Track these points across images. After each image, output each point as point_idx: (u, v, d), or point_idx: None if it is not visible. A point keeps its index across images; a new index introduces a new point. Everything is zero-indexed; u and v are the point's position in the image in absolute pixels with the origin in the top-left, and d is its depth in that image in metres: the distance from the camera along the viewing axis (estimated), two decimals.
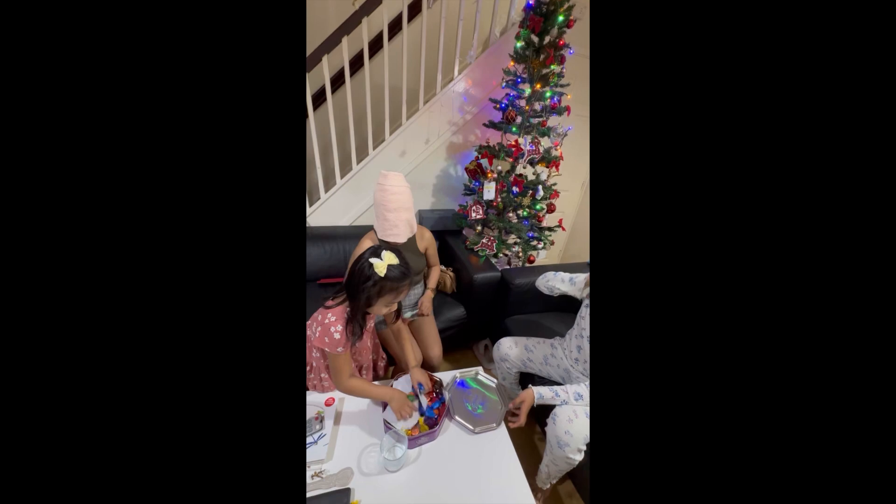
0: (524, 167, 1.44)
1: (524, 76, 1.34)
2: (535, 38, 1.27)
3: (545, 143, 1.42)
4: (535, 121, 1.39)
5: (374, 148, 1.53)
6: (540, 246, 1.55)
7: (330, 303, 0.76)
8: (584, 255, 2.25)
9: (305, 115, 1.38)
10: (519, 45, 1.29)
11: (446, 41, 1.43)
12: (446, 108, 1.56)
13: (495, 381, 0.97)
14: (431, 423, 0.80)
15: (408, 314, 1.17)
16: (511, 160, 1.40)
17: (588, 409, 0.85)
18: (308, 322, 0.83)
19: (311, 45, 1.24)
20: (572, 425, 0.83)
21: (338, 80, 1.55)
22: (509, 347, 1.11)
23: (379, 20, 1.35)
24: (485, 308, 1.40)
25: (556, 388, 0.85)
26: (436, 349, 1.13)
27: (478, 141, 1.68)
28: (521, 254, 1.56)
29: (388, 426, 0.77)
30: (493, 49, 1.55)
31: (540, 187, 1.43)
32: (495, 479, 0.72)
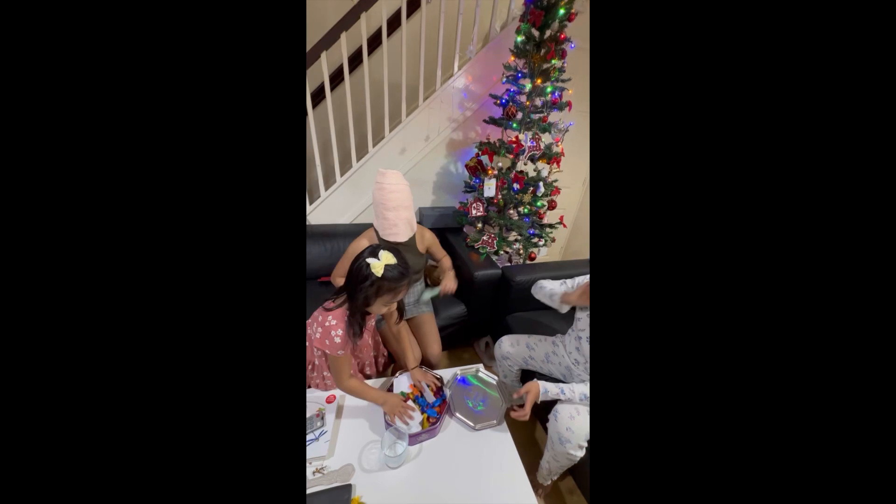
0: (525, 164, 1.43)
1: (525, 71, 1.32)
2: (535, 33, 1.26)
3: (546, 139, 1.40)
4: (535, 117, 1.37)
5: (374, 145, 1.53)
6: (541, 243, 1.54)
7: (330, 304, 0.76)
8: (586, 252, 2.24)
9: (305, 113, 1.37)
10: (519, 39, 1.28)
11: (446, 36, 1.42)
12: (446, 104, 1.55)
13: (496, 378, 0.97)
14: (433, 420, 0.80)
15: (410, 312, 1.17)
16: (512, 157, 1.39)
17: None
18: (309, 321, 0.83)
19: (310, 41, 1.23)
20: (574, 422, 0.83)
21: (336, 78, 1.54)
22: (511, 345, 1.10)
23: (378, 15, 1.33)
24: (485, 305, 1.39)
25: (562, 385, 0.84)
26: (435, 347, 1.13)
27: (478, 137, 1.67)
28: (521, 251, 1.55)
29: (388, 423, 0.77)
30: (494, 44, 1.53)
31: (541, 184, 1.42)
32: (496, 475, 0.72)
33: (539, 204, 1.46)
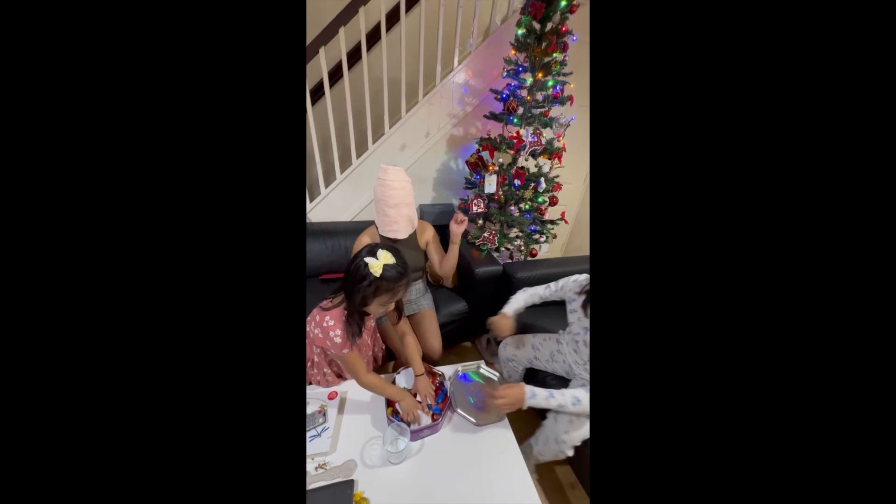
0: (526, 159, 1.42)
1: (526, 65, 1.31)
2: (536, 26, 1.24)
3: (547, 134, 1.39)
4: (536, 111, 1.36)
5: (374, 142, 1.52)
6: (542, 239, 1.53)
7: (327, 304, 0.75)
8: (588, 249, 2.22)
9: (305, 110, 1.37)
10: (520, 32, 1.26)
11: (445, 30, 1.40)
12: (446, 99, 1.54)
13: (497, 374, 0.97)
14: (435, 417, 0.80)
15: (410, 309, 1.17)
16: (512, 152, 1.37)
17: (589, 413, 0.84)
18: (308, 318, 0.83)
19: (307, 36, 1.22)
20: (572, 426, 0.83)
21: (335, 74, 1.53)
22: (516, 347, 1.10)
23: (376, 9, 1.32)
24: (487, 302, 1.39)
25: (553, 391, 0.78)
26: (435, 343, 1.13)
27: (479, 133, 1.66)
28: (523, 247, 1.55)
29: (390, 420, 0.78)
30: (494, 38, 1.51)
31: (542, 180, 1.41)
32: (497, 471, 0.72)
33: (540, 200, 1.45)
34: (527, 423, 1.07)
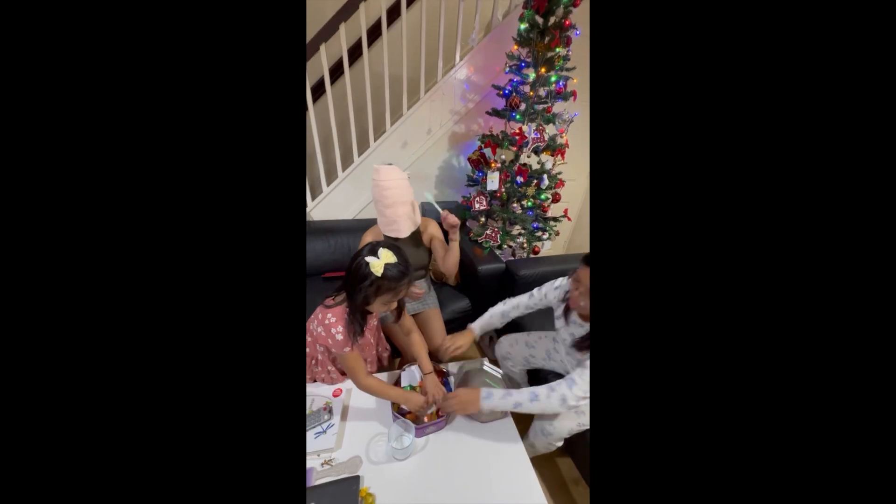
0: (528, 156, 1.41)
1: (528, 60, 1.29)
2: (539, 20, 1.22)
3: (550, 130, 1.38)
4: (539, 107, 1.34)
5: (376, 139, 1.51)
6: (545, 237, 1.53)
7: (330, 302, 0.75)
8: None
9: (305, 108, 1.36)
10: (523, 27, 1.24)
11: (447, 25, 1.38)
12: (448, 96, 1.53)
13: (501, 371, 0.97)
14: (441, 414, 0.81)
15: (415, 308, 1.17)
16: (515, 149, 1.36)
17: (573, 407, 0.82)
18: (311, 317, 0.84)
19: (308, 33, 1.21)
20: (556, 419, 0.84)
21: (336, 71, 1.52)
22: (509, 345, 1.09)
23: (377, 5, 1.31)
24: (490, 299, 1.38)
25: (511, 389, 0.76)
26: (440, 341, 1.13)
27: (481, 130, 1.64)
28: (525, 245, 1.54)
29: (395, 416, 0.78)
30: (496, 32, 1.49)
31: (545, 176, 1.40)
32: (501, 467, 0.73)
33: (543, 197, 1.44)
34: (530, 420, 1.07)
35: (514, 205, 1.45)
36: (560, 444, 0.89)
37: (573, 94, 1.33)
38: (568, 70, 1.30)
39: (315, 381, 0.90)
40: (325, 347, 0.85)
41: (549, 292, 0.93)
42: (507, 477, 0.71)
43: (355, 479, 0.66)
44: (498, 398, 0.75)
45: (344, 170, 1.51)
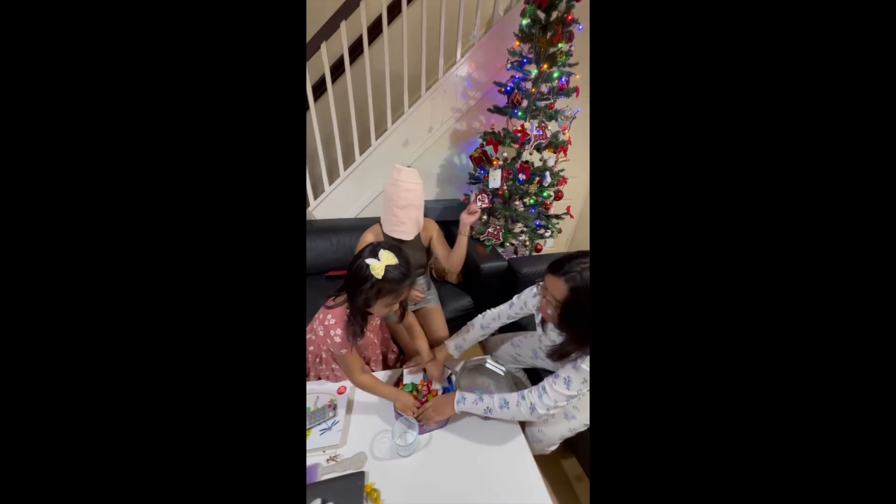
0: (531, 153, 1.40)
1: (530, 56, 1.28)
2: (541, 15, 1.21)
3: (553, 127, 1.37)
4: (541, 104, 1.33)
5: (377, 138, 1.51)
6: (547, 234, 1.52)
7: (330, 302, 0.76)
8: None
9: (306, 107, 1.36)
10: (524, 22, 1.23)
11: (448, 22, 1.37)
12: (449, 93, 1.52)
13: (503, 369, 0.97)
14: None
15: (412, 306, 1.17)
16: (517, 146, 1.36)
17: (564, 411, 0.82)
18: (315, 315, 0.84)
19: (308, 31, 1.21)
20: (546, 426, 0.84)
21: (337, 69, 1.51)
22: (495, 345, 1.09)
23: (377, 2, 1.30)
24: (492, 297, 1.39)
25: (484, 395, 0.76)
26: (443, 336, 1.14)
27: (482, 127, 1.64)
28: (528, 242, 1.54)
29: (399, 413, 0.79)
30: (497, 28, 1.48)
31: (547, 174, 1.39)
32: (504, 463, 0.73)
33: (545, 194, 1.43)
34: None
35: (517, 202, 1.45)
36: (554, 448, 0.89)
37: (576, 90, 1.31)
38: (570, 66, 1.28)
39: (320, 378, 0.91)
40: (326, 346, 0.86)
41: (529, 300, 0.90)
42: (511, 473, 0.71)
43: (360, 475, 0.67)
44: (470, 402, 0.76)
45: (345, 168, 1.52)
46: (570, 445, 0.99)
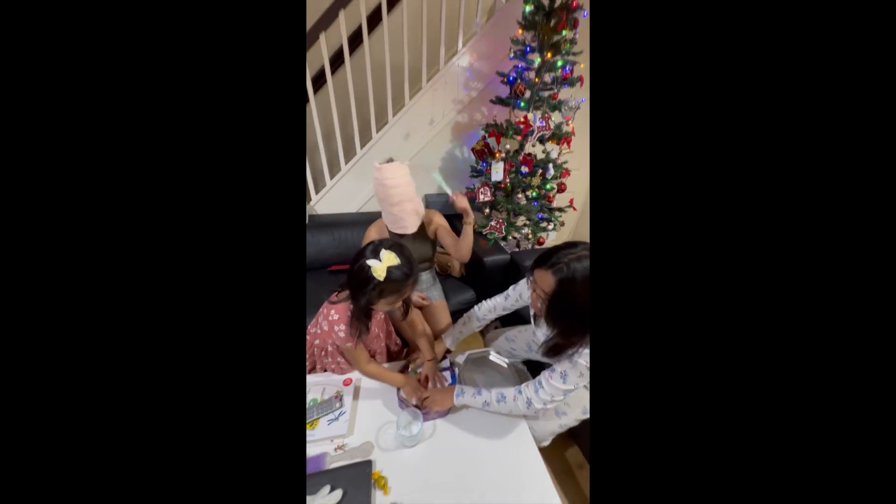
0: (534, 145, 1.38)
1: (533, 45, 1.25)
2: (545, 1, 1.17)
3: (556, 118, 1.35)
4: (545, 94, 1.31)
5: (378, 131, 1.49)
6: (550, 227, 1.52)
7: (333, 298, 0.76)
8: None
9: (306, 100, 1.34)
10: (528, 9, 1.20)
11: (449, 10, 1.34)
12: (451, 85, 1.49)
13: (507, 361, 0.98)
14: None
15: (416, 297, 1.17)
16: (520, 138, 1.34)
17: (539, 410, 0.82)
18: (320, 309, 0.85)
19: (307, 22, 1.18)
20: (537, 422, 0.85)
21: (337, 60, 1.49)
22: (490, 341, 1.09)
23: None
24: (495, 291, 1.38)
25: (482, 388, 0.77)
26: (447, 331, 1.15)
27: (484, 119, 1.61)
28: (530, 236, 1.53)
29: (403, 404, 0.80)
30: (500, 15, 1.44)
31: (550, 166, 1.37)
32: (508, 452, 0.75)
33: (548, 187, 1.42)
34: None
35: (519, 195, 1.44)
36: (547, 443, 0.90)
37: (580, 79, 1.29)
38: (575, 54, 1.26)
39: (326, 370, 0.93)
40: (331, 340, 0.87)
41: (524, 291, 0.89)
42: (514, 462, 0.73)
43: (368, 463, 0.69)
44: (469, 396, 0.77)
45: (346, 162, 1.51)
46: (573, 434, 1.01)
